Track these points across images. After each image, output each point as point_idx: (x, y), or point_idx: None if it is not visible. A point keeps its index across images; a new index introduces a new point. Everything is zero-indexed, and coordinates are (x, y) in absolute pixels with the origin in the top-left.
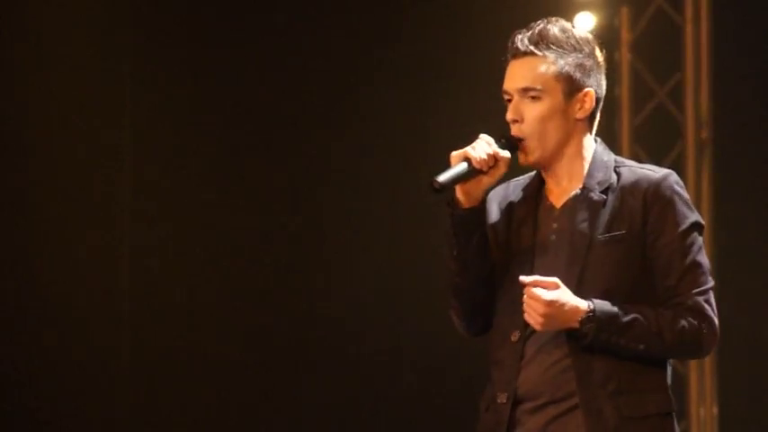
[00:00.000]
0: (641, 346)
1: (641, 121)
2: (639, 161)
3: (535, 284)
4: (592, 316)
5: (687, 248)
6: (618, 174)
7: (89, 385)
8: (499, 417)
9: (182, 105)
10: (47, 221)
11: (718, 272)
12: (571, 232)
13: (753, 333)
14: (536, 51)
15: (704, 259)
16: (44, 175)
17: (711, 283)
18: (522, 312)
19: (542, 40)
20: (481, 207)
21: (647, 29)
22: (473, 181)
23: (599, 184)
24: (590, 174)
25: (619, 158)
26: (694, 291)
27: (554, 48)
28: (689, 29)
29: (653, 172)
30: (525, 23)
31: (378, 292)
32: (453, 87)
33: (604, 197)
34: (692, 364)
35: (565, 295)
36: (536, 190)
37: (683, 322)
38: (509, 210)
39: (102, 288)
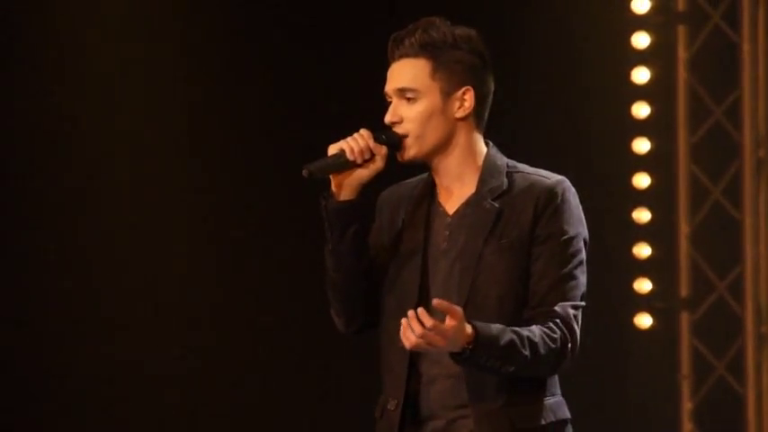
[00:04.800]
0: (511, 368)
1: (698, 140)
2: (697, 180)
3: (441, 308)
4: (475, 340)
5: (566, 258)
6: (511, 180)
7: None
8: (390, 424)
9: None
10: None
11: None
12: (463, 241)
13: None
14: (412, 52)
15: (582, 276)
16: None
17: (583, 303)
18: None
19: (419, 41)
20: (357, 201)
21: (703, 47)
22: (347, 173)
23: (491, 191)
24: (483, 180)
25: (512, 162)
26: (564, 302)
27: (430, 47)
28: (746, 47)
29: (546, 178)
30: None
31: None
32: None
33: (495, 205)
34: (750, 383)
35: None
36: (428, 193)
37: (549, 341)
38: (399, 211)
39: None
